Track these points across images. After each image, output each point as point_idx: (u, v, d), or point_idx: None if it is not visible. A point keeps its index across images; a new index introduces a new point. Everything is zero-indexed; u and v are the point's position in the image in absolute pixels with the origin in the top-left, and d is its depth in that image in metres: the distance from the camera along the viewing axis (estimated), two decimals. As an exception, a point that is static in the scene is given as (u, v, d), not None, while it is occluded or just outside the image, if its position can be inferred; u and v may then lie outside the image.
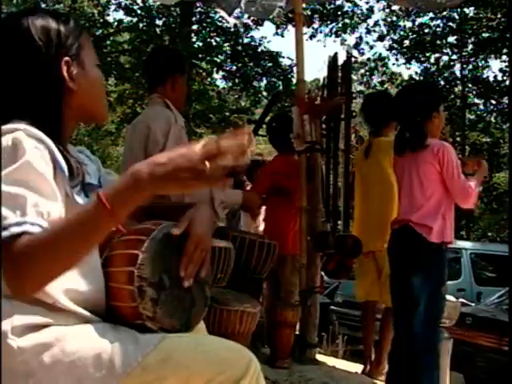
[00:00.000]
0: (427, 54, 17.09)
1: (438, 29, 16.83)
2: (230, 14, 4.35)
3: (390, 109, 3.90)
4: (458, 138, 17.08)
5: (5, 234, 1.09)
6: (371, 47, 17.62)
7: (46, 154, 1.21)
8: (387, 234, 3.57)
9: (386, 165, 3.81)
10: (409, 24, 17.06)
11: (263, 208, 4.59)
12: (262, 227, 4.77)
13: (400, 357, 3.07)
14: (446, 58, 17.16)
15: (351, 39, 17.24)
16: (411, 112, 3.16)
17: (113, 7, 15.55)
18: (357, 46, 16.95)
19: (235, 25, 13.83)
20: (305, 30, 9.02)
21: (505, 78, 16.03)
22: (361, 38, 17.14)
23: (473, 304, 6.37)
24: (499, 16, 15.55)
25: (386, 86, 18.11)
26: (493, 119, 17.16)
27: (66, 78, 1.31)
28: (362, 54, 17.36)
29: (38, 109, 1.28)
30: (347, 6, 16.26)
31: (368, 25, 17.01)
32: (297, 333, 3.83)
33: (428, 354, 2.99)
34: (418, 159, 3.09)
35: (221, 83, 16.68)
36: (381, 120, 4.03)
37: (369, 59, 17.71)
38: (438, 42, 16.89)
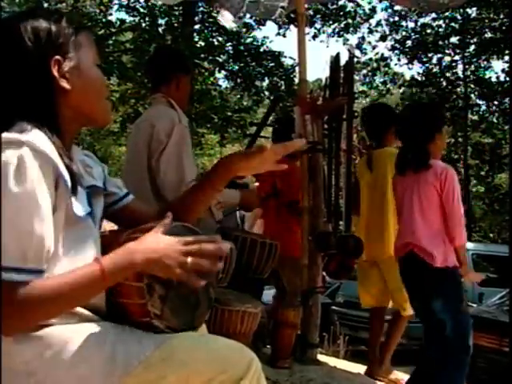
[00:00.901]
0: (429, 55, 17.08)
1: (440, 29, 16.83)
2: (235, 15, 4.35)
3: (388, 119, 3.92)
4: (460, 139, 17.08)
5: (4, 277, 1.12)
6: (373, 47, 17.63)
7: (50, 171, 1.20)
8: (390, 244, 3.63)
9: (385, 175, 3.82)
10: (411, 24, 17.07)
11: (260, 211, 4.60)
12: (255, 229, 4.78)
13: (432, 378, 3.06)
14: (448, 58, 17.16)
15: (353, 39, 17.27)
16: (414, 133, 3.16)
17: (115, 7, 15.57)
18: (359, 46, 16.95)
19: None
20: (307, 30, 9.04)
21: (507, 78, 16.01)
22: (363, 38, 17.15)
23: (474, 305, 6.36)
24: (502, 16, 15.55)
25: (388, 86, 18.12)
26: (495, 120, 17.14)
27: (56, 76, 1.30)
28: (365, 53, 17.37)
29: (34, 109, 1.27)
30: (350, 6, 16.26)
31: (370, 25, 17.03)
32: (298, 333, 3.83)
33: (455, 371, 2.99)
34: (420, 180, 3.09)
35: (223, 83, 16.71)
36: (380, 131, 4.03)
37: (371, 59, 17.70)
38: (441, 42, 16.89)
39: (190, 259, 1.22)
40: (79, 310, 1.28)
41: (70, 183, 1.25)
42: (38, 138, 1.20)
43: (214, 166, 1.56)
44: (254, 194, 3.44)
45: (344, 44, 16.46)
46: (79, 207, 1.29)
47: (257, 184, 4.86)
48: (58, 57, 1.30)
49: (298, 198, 3.94)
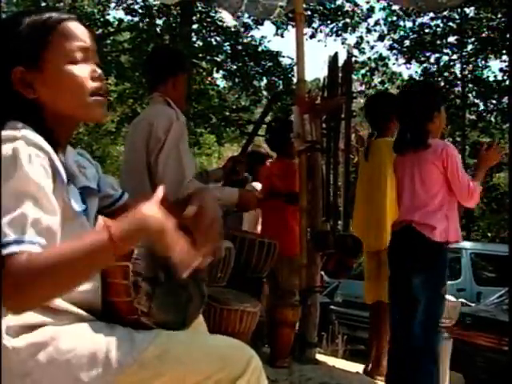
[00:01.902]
0: (427, 54, 17.09)
1: (438, 29, 16.82)
2: (233, 14, 4.35)
3: (391, 109, 3.91)
4: (458, 138, 17.07)
5: (4, 251, 1.09)
6: (372, 47, 17.63)
7: (46, 161, 1.19)
8: (386, 233, 3.61)
9: (386, 166, 3.82)
10: (409, 24, 17.07)
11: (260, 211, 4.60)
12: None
13: (399, 358, 3.06)
14: (446, 57, 17.16)
15: (352, 39, 17.27)
16: (412, 112, 3.17)
17: (113, 5, 15.55)
18: (357, 45, 16.95)
19: (235, 25, 13.83)
20: (305, 29, 9.02)
21: (505, 77, 16.02)
22: (361, 37, 17.15)
23: (473, 304, 6.37)
24: (499, 16, 15.55)
25: (386, 85, 18.12)
26: (493, 119, 17.16)
27: (18, 87, 1.28)
28: (364, 53, 17.37)
29: (14, 115, 1.26)
30: (348, 6, 16.25)
31: (368, 24, 17.03)
32: (297, 332, 3.83)
33: (427, 355, 2.99)
34: (421, 159, 3.10)
35: (221, 82, 16.70)
36: (382, 120, 4.03)
37: (369, 58, 17.71)
38: (439, 41, 16.88)
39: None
40: (74, 309, 1.28)
41: (65, 177, 1.24)
42: (32, 133, 1.20)
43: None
44: (252, 193, 3.42)
45: (342, 44, 16.47)
46: (75, 203, 1.28)
47: (258, 184, 4.87)
48: (20, 67, 1.28)
49: (296, 190, 3.94)
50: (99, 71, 1.35)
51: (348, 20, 16.42)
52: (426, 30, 16.93)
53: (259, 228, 4.74)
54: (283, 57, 15.22)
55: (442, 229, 3.02)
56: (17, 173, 1.14)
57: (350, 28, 16.56)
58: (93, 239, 1.14)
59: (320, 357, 4.07)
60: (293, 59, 14.07)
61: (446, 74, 17.06)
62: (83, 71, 1.31)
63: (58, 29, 1.31)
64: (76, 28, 1.33)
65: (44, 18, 1.31)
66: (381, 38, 17.15)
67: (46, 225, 1.14)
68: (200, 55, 14.72)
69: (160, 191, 1.26)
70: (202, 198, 1.38)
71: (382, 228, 3.86)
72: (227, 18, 4.46)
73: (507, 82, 15.61)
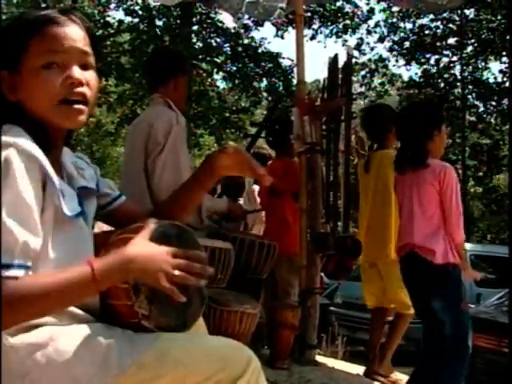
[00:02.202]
0: (427, 56, 17.10)
1: (438, 30, 16.84)
2: (233, 15, 4.35)
3: (389, 120, 3.91)
4: (458, 140, 17.08)
5: None
6: (372, 48, 17.64)
7: (37, 171, 1.20)
8: (391, 246, 3.68)
9: (386, 178, 3.82)
10: (409, 25, 17.08)
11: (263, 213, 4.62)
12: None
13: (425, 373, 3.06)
14: (446, 59, 17.18)
15: (352, 40, 17.28)
16: (413, 131, 3.16)
17: (113, 6, 15.55)
18: (358, 47, 16.97)
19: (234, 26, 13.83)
20: (305, 31, 9.03)
21: (505, 79, 16.04)
22: (361, 39, 17.16)
23: (472, 305, 6.36)
24: (499, 18, 15.57)
25: (386, 87, 18.12)
26: (492, 121, 17.16)
27: (5, 92, 1.30)
28: (364, 54, 17.38)
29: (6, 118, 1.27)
30: (348, 7, 16.27)
31: (369, 26, 17.04)
32: (296, 334, 3.82)
33: (455, 371, 3.00)
34: (419, 179, 3.10)
35: (221, 84, 16.70)
36: (381, 132, 4.03)
37: (370, 60, 17.72)
38: (438, 43, 16.90)
39: (177, 272, 1.23)
40: (73, 310, 1.28)
41: (57, 183, 1.24)
42: (24, 139, 1.20)
43: (201, 164, 1.57)
44: (240, 206, 3.59)
45: (343, 45, 16.47)
46: (69, 208, 1.28)
47: (256, 186, 4.87)
48: (4, 72, 1.30)
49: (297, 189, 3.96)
50: (77, 76, 1.29)
51: (348, 22, 16.43)
52: (426, 32, 16.95)
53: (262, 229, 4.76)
54: (283, 58, 15.25)
55: (441, 251, 3.01)
56: (6, 186, 1.14)
57: (350, 30, 16.58)
58: (76, 274, 1.18)
59: (320, 358, 4.07)
60: (293, 60, 14.07)
61: (445, 75, 17.08)
62: (55, 77, 1.28)
63: (40, 31, 1.28)
64: (60, 30, 1.29)
65: (29, 19, 1.30)
66: (381, 40, 17.16)
67: (32, 247, 1.17)
68: (200, 56, 14.73)
69: (150, 225, 1.31)
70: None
71: (382, 241, 3.89)
72: (227, 20, 4.44)
73: (507, 84, 15.63)
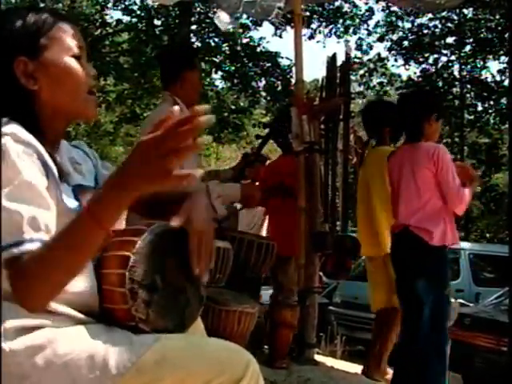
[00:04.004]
0: (426, 55, 17.10)
1: (436, 29, 16.84)
2: (231, 15, 4.35)
3: (389, 115, 3.91)
4: (457, 139, 17.11)
5: (5, 255, 1.10)
6: (370, 47, 17.64)
7: (35, 157, 1.19)
8: (379, 242, 3.73)
9: (380, 174, 3.82)
10: (408, 25, 17.09)
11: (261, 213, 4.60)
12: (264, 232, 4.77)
13: (406, 360, 3.07)
14: (444, 58, 17.19)
15: (351, 40, 17.25)
16: (411, 110, 3.22)
17: (110, 5, 15.53)
18: (359, 46, 16.97)
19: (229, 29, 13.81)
20: (304, 30, 9.02)
21: (503, 78, 16.05)
22: (360, 38, 17.16)
23: (471, 304, 6.37)
24: (498, 17, 15.57)
25: (385, 87, 18.12)
26: (491, 120, 17.18)
27: (20, 77, 1.27)
28: (366, 53, 17.37)
29: (6, 109, 1.25)
30: (346, 7, 16.26)
31: (368, 25, 17.04)
32: (295, 333, 3.83)
33: (436, 356, 3.00)
34: (413, 160, 3.12)
35: (219, 83, 16.69)
36: (380, 128, 4.03)
37: (370, 60, 17.72)
38: (437, 42, 16.90)
39: (167, 158, 1.03)
40: (71, 312, 1.27)
41: (57, 173, 1.24)
42: (20, 129, 1.20)
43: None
44: (255, 187, 3.38)
45: (346, 46, 16.44)
46: (68, 200, 1.27)
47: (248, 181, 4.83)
48: (22, 57, 1.27)
49: None
50: (94, 70, 1.37)
51: (347, 22, 16.41)
52: (425, 31, 16.95)
53: (264, 230, 4.73)
54: (282, 58, 15.24)
55: (439, 232, 3.03)
56: (6, 172, 1.13)
57: (349, 29, 16.56)
58: (74, 220, 1.11)
59: (318, 357, 4.07)
60: (291, 60, 14.07)
61: (444, 74, 17.08)
62: (82, 68, 1.32)
63: (58, 24, 1.32)
64: (73, 28, 1.35)
65: (46, 12, 1.33)
66: (379, 39, 17.16)
67: (42, 220, 1.15)
68: (198, 56, 14.72)
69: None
70: (190, 209, 1.35)
71: (372, 237, 3.89)
72: (222, 22, 4.42)
73: (505, 83, 15.64)
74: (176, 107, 1.06)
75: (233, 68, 15.50)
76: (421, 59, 17.11)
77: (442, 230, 3.04)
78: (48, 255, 1.11)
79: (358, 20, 16.50)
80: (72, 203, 1.28)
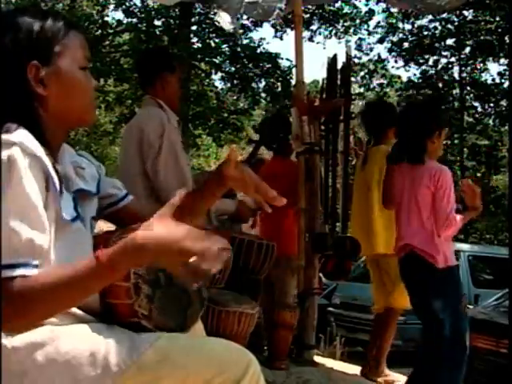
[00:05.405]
0: (426, 57, 17.12)
1: (436, 31, 16.86)
2: (232, 16, 4.35)
3: (388, 117, 3.91)
4: (456, 141, 17.11)
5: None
6: (371, 49, 17.66)
7: (41, 171, 1.19)
8: (375, 241, 3.75)
9: (379, 173, 3.81)
10: (408, 26, 17.10)
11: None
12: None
13: (425, 373, 3.07)
14: (444, 60, 17.21)
15: (351, 40, 17.27)
16: (415, 126, 3.15)
17: (111, 6, 15.56)
18: (360, 47, 16.99)
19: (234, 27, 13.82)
20: (304, 32, 9.03)
21: (503, 80, 16.07)
22: (360, 39, 17.18)
23: (470, 306, 6.37)
24: (498, 19, 15.59)
25: (385, 89, 18.13)
26: (491, 122, 17.20)
27: (31, 82, 1.27)
28: (367, 54, 17.39)
29: (13, 113, 1.25)
30: (347, 8, 16.28)
31: (369, 26, 17.05)
32: (295, 334, 3.82)
33: (453, 370, 3.00)
34: (416, 178, 3.10)
35: (219, 84, 16.70)
36: (379, 128, 4.02)
37: (370, 60, 17.73)
38: (437, 44, 16.92)
39: (193, 259, 1.08)
40: (73, 310, 1.27)
41: (58, 185, 1.24)
42: (28, 138, 1.19)
43: (213, 172, 1.53)
44: (249, 207, 3.47)
45: (346, 46, 16.43)
46: (66, 211, 1.27)
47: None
48: (35, 62, 1.27)
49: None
50: (96, 82, 1.45)
51: (347, 23, 16.43)
52: (425, 33, 16.97)
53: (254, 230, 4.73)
54: (282, 59, 15.25)
55: (441, 256, 3.03)
56: (11, 185, 1.13)
57: (349, 29, 16.58)
58: (82, 263, 1.12)
59: (318, 359, 4.07)
60: (291, 61, 14.08)
61: (444, 76, 17.10)
62: (89, 78, 1.37)
63: (71, 33, 1.34)
64: (84, 38, 1.38)
65: (61, 18, 1.34)
66: (380, 41, 17.18)
67: (38, 244, 1.15)
68: (199, 56, 14.72)
69: (175, 199, 1.20)
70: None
71: (368, 237, 3.88)
72: (225, 22, 4.43)
73: (505, 85, 15.66)
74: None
75: (233, 69, 15.51)
76: (421, 61, 17.12)
77: (443, 252, 3.04)
78: (50, 287, 1.11)
79: (358, 21, 16.52)
80: (70, 214, 1.29)
